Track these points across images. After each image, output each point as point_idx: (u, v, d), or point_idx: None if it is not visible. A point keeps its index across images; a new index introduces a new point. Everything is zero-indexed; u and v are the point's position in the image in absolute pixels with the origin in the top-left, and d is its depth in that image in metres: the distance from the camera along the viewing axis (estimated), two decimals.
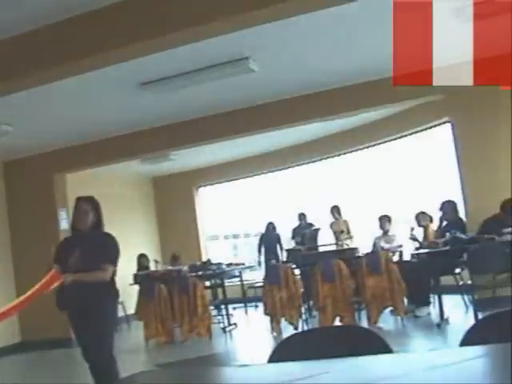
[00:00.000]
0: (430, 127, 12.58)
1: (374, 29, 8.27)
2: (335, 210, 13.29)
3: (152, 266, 13.67)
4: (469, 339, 2.44)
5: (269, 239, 15.37)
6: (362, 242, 12.86)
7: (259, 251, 15.55)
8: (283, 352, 2.64)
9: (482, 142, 10.33)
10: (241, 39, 7.68)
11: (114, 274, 5.84)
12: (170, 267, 12.61)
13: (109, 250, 5.84)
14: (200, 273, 11.59)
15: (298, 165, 16.43)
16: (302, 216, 14.30)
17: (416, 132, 13.09)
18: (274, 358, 2.60)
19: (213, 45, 7.41)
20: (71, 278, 5.58)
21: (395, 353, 2.50)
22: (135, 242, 15.24)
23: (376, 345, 2.48)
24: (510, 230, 9.07)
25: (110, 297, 5.90)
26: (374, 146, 14.41)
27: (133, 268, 13.57)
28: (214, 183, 18.10)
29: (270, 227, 15.36)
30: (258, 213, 17.90)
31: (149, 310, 10.85)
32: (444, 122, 11.63)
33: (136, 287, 11.66)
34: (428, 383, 1.86)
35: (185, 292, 10.64)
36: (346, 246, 12.11)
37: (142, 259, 14.31)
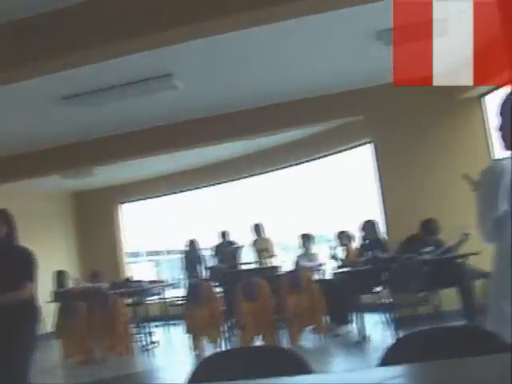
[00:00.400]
0: (352, 147, 12.74)
1: (301, 49, 8.38)
2: (257, 228, 13.30)
3: (71, 284, 13.41)
4: (388, 357, 2.44)
5: (191, 257, 15.27)
6: (285, 260, 12.92)
7: (185, 268, 15.41)
8: (203, 372, 2.61)
9: (402, 163, 10.50)
10: (165, 56, 7.66)
11: (33, 290, 5.50)
12: (89, 284, 12.40)
13: (26, 266, 5.42)
14: (121, 290, 11.45)
15: (221, 182, 16.40)
16: (223, 234, 14.25)
17: (338, 152, 13.23)
18: (194, 378, 2.56)
19: (137, 60, 7.38)
20: None
21: (315, 373, 2.48)
22: (54, 258, 14.94)
23: (296, 365, 2.47)
24: (428, 249, 9.23)
25: (30, 317, 5.54)
26: (295, 165, 14.51)
27: (51, 285, 13.28)
28: (137, 199, 17.92)
29: (192, 245, 15.25)
30: (180, 230, 17.81)
31: (67, 329, 10.64)
32: (366, 143, 11.78)
33: (54, 305, 11.42)
34: None
35: (105, 310, 10.48)
36: (267, 265, 12.13)
37: (61, 276, 13.99)
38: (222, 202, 17.28)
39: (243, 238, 14.15)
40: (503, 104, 3.53)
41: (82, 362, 10.46)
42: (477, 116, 10.19)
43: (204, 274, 14.28)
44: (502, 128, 3.51)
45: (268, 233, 13.43)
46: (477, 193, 3.58)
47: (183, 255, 15.48)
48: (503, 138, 3.53)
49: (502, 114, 3.52)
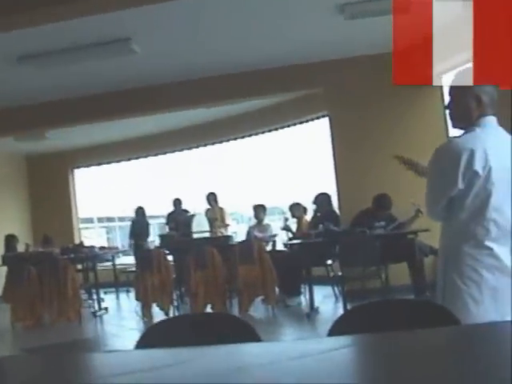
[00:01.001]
0: (309, 120, 12.77)
1: (262, 19, 8.33)
2: (211, 198, 13.26)
3: (21, 248, 13.25)
4: (337, 329, 2.46)
5: (139, 224, 15.22)
6: (238, 230, 12.93)
7: (131, 236, 15.37)
8: (152, 338, 2.60)
9: (358, 138, 10.54)
10: (124, 19, 7.57)
11: None
12: (40, 249, 12.30)
13: None
14: (72, 255, 11.38)
15: (177, 150, 16.32)
16: (176, 201, 14.17)
17: (295, 124, 13.24)
18: (142, 343, 2.56)
19: (95, 23, 7.28)
20: None
21: (263, 341, 2.49)
22: (5, 222, 14.81)
23: (245, 333, 2.48)
24: (381, 224, 9.32)
25: None
26: (252, 135, 14.48)
27: (0, 249, 13.15)
28: (90, 165, 17.74)
29: (140, 212, 15.21)
30: (134, 197, 17.73)
31: (17, 293, 10.54)
32: (323, 116, 11.79)
33: (4, 269, 11.30)
34: (295, 372, 1.86)
35: (55, 275, 10.40)
36: (219, 234, 12.16)
37: (11, 240, 13.85)
38: (177, 170, 17.22)
39: (197, 206, 14.12)
40: (451, 84, 3.59)
41: (31, 327, 10.40)
42: (435, 94, 10.24)
43: (149, 241, 14.29)
44: (449, 106, 3.57)
45: (222, 202, 13.42)
46: (432, 171, 3.58)
47: (133, 222, 15.46)
48: (450, 116, 3.59)
49: (450, 93, 3.58)
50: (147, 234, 15.09)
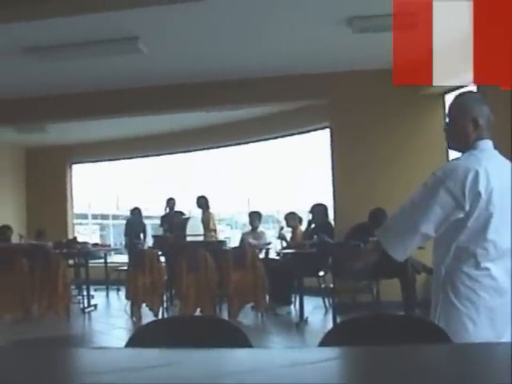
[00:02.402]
0: (311, 130, 12.78)
1: (272, 27, 8.34)
2: (201, 201, 13.23)
3: (15, 240, 13.23)
4: (328, 341, 2.45)
5: (134, 224, 15.20)
6: (231, 236, 12.92)
7: (126, 235, 15.36)
8: (141, 338, 2.59)
9: (359, 152, 10.53)
10: (132, 18, 7.57)
11: None
12: (33, 242, 12.27)
13: None
14: (64, 250, 11.37)
15: (175, 152, 16.32)
16: (170, 201, 14.15)
17: (296, 133, 13.26)
18: (132, 343, 2.55)
19: (103, 19, 7.28)
20: None
21: (253, 347, 2.49)
22: (1, 212, 14.78)
23: (235, 338, 2.47)
24: (375, 239, 9.28)
25: None
26: (253, 142, 14.49)
27: None
28: (88, 161, 17.73)
29: (136, 212, 15.19)
30: (129, 196, 17.73)
31: (6, 284, 10.50)
32: (324, 127, 11.79)
33: None
34: (284, 380, 1.86)
35: (47, 268, 10.38)
36: (214, 239, 12.15)
37: (6, 230, 13.81)
38: (174, 172, 17.23)
39: (193, 210, 14.12)
40: (450, 106, 3.58)
41: (19, 319, 10.35)
42: (438, 112, 10.24)
43: (146, 241, 14.29)
44: (447, 127, 3.56)
45: (217, 207, 13.40)
46: (433, 193, 3.46)
47: (127, 222, 15.46)
48: (447, 137, 3.58)
49: (449, 114, 3.57)
50: (144, 235, 15.09)
